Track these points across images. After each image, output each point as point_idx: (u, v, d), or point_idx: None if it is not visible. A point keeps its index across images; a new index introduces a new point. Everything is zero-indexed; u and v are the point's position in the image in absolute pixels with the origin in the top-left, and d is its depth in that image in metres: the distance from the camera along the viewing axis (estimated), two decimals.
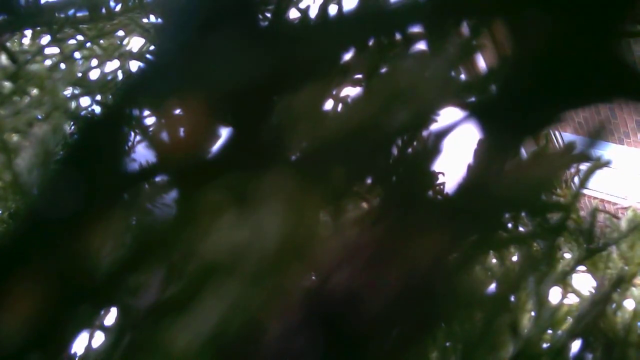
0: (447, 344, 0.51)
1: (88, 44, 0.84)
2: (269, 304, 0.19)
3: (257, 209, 0.19)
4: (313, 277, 0.20)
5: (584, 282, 0.61)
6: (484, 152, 0.26)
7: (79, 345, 0.24)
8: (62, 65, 0.79)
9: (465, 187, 0.25)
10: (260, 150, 0.23)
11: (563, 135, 4.41)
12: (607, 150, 4.14)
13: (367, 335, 0.19)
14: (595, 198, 4.37)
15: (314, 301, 0.19)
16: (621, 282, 0.55)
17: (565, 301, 0.59)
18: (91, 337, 0.46)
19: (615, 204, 4.27)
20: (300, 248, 0.19)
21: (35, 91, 0.72)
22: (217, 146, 0.24)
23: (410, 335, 0.20)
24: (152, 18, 0.91)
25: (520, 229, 0.60)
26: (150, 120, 0.22)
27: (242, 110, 0.23)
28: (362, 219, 0.22)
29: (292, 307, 0.19)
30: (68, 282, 0.20)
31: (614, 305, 0.58)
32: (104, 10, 0.82)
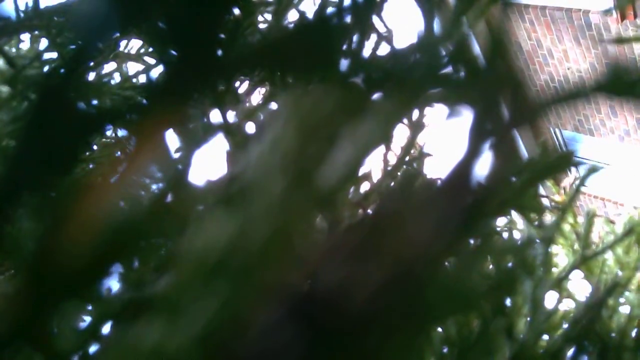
0: (445, 349, 0.51)
1: None
2: (255, 300, 0.19)
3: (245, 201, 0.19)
4: (298, 272, 0.20)
5: (580, 287, 0.61)
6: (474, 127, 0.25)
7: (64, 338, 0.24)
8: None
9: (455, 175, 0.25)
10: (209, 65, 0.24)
11: (563, 133, 4.41)
12: (607, 149, 4.14)
13: (352, 328, 0.19)
14: (595, 196, 4.37)
15: (299, 296, 0.19)
16: (616, 287, 0.55)
17: (561, 306, 0.59)
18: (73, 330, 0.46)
19: (615, 202, 4.27)
20: (286, 243, 0.19)
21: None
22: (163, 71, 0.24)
23: (395, 327, 0.20)
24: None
25: (516, 235, 0.60)
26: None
27: (189, 26, 0.23)
28: (349, 213, 0.23)
29: (277, 302, 0.19)
30: (43, 273, 0.20)
31: (609, 310, 0.58)
32: None
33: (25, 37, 0.88)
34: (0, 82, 0.73)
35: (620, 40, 2.79)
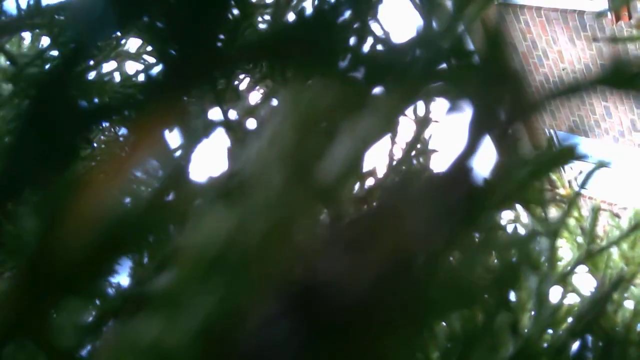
0: (448, 345, 0.51)
1: None
2: (254, 294, 0.19)
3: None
4: (298, 267, 0.20)
5: (585, 282, 0.61)
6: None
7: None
8: None
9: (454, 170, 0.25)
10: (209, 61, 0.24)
11: (558, 134, 4.43)
12: (601, 149, 4.16)
13: (353, 323, 0.19)
14: (590, 197, 4.39)
15: (299, 291, 0.19)
16: (621, 282, 0.55)
17: (566, 300, 0.59)
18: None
19: (610, 203, 4.29)
20: (286, 238, 0.19)
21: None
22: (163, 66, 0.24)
23: (397, 321, 0.20)
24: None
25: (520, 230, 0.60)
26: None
27: (187, 23, 0.23)
28: (353, 208, 0.22)
29: (276, 297, 0.19)
30: (43, 269, 0.20)
31: (614, 305, 0.58)
32: None
33: (27, 35, 0.88)
34: (2, 80, 0.72)
35: (614, 40, 2.81)
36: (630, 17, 3.43)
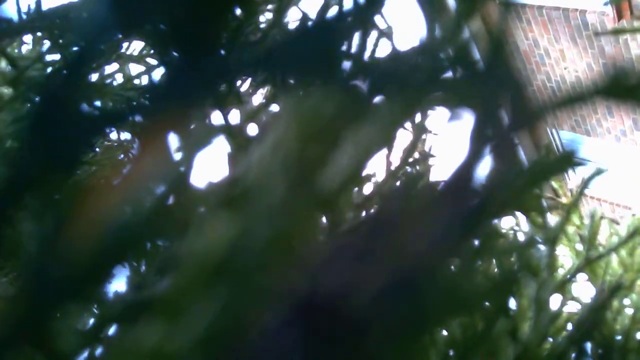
0: (449, 351, 0.51)
1: None
2: (256, 303, 0.19)
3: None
4: (300, 275, 0.20)
5: (584, 289, 0.61)
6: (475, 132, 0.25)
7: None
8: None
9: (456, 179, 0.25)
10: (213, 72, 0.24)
11: (560, 134, 4.42)
12: (603, 149, 4.15)
13: (354, 332, 0.19)
14: (592, 197, 4.38)
15: (300, 300, 0.19)
16: (620, 289, 0.55)
17: (565, 308, 0.59)
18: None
19: (611, 203, 4.28)
20: (288, 246, 0.19)
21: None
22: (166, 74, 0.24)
23: (396, 330, 0.20)
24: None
25: (520, 236, 0.60)
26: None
27: (192, 31, 0.23)
28: (351, 215, 0.23)
29: (278, 305, 0.19)
30: (45, 275, 0.20)
31: (613, 312, 0.58)
32: None
33: (28, 38, 0.88)
34: (2, 84, 0.73)
35: (617, 32, 2.80)
36: (632, 15, 3.42)
